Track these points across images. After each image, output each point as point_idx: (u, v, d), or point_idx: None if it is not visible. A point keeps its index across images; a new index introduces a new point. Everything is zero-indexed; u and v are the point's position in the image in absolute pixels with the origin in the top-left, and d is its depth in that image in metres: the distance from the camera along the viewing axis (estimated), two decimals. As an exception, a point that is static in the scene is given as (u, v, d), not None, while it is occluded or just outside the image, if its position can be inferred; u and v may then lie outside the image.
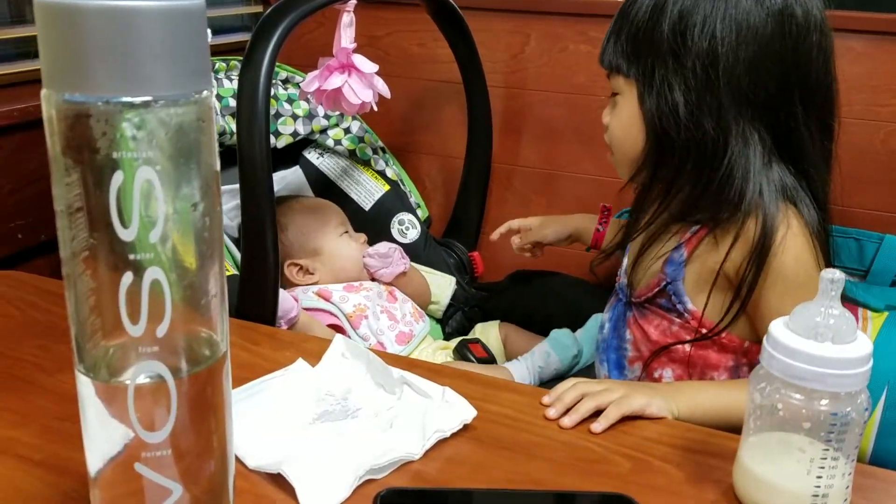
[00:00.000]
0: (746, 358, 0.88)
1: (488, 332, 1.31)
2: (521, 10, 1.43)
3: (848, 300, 0.98)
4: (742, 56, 0.81)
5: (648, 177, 0.88)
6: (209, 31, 0.41)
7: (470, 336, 1.33)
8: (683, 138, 0.83)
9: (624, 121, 0.88)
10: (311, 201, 1.36)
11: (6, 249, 1.13)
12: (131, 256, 0.40)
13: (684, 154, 0.84)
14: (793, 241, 0.82)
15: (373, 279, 1.30)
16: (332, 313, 1.19)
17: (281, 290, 1.05)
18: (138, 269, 0.40)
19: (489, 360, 1.23)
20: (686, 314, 0.89)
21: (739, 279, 0.83)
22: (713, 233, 0.86)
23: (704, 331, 0.87)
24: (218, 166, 0.43)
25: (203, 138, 0.41)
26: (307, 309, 1.18)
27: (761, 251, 0.81)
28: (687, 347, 0.89)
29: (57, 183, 0.40)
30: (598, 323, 1.09)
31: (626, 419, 0.72)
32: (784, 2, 0.81)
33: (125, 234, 0.39)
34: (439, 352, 1.25)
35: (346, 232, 1.31)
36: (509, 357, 1.28)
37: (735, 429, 0.77)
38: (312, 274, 1.26)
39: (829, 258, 0.86)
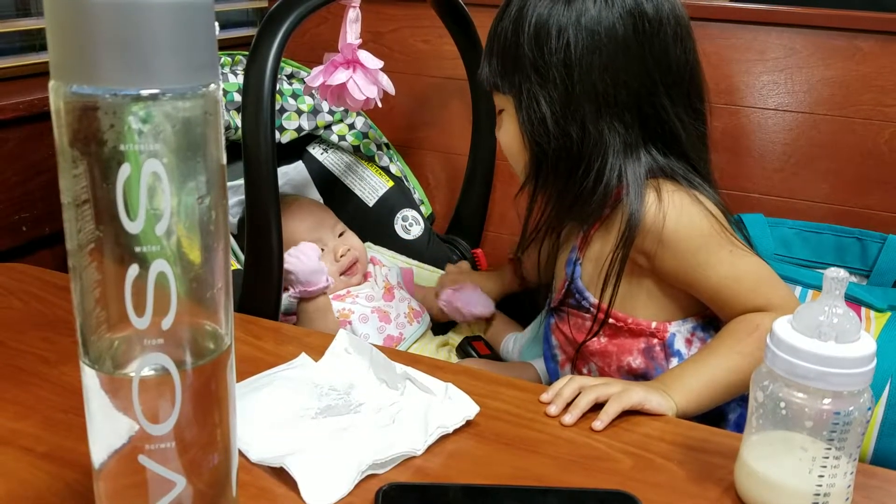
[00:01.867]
0: (656, 337, 0.91)
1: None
2: (527, 7, 1.43)
3: (851, 300, 0.98)
4: (598, 60, 0.83)
5: (532, 186, 0.91)
6: (216, 24, 0.41)
7: (476, 336, 1.32)
8: (554, 147, 0.86)
9: (510, 135, 0.91)
10: (286, 215, 1.23)
11: (11, 241, 1.13)
12: (137, 249, 0.40)
13: (556, 162, 0.87)
14: (671, 202, 0.84)
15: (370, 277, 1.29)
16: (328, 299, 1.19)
17: (318, 261, 1.10)
18: (144, 262, 0.40)
19: (492, 357, 1.22)
20: (591, 308, 0.92)
21: (613, 254, 0.86)
22: (595, 229, 0.90)
23: (612, 321, 0.91)
24: (224, 160, 0.43)
25: (210, 132, 0.41)
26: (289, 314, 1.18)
27: (629, 228, 0.84)
28: (602, 339, 0.92)
29: (64, 175, 0.40)
30: None
31: (628, 416, 0.72)
32: (634, 1, 0.83)
33: (131, 227, 0.40)
34: (441, 349, 1.25)
35: (318, 238, 1.23)
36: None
37: (732, 393, 0.81)
38: (286, 289, 1.24)
39: (723, 210, 0.88)
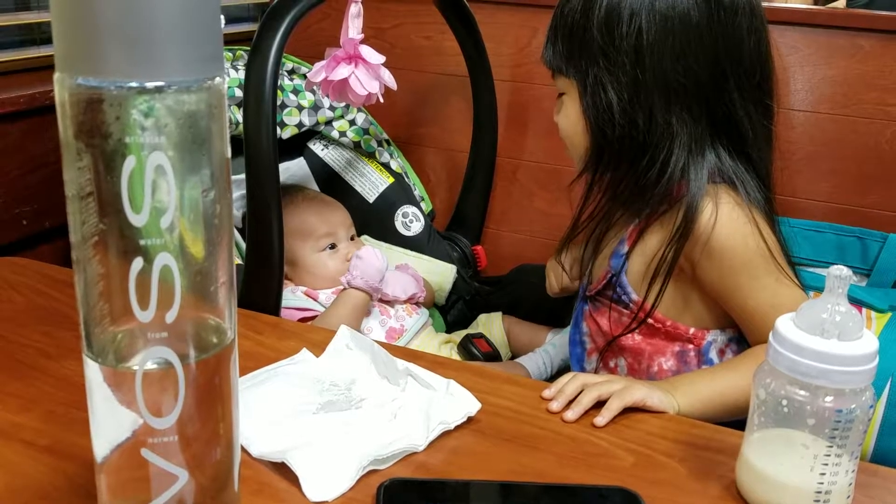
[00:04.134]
0: (693, 343, 0.90)
1: (492, 324, 1.31)
2: (529, 3, 1.43)
3: (852, 301, 0.98)
4: (670, 48, 0.81)
5: (591, 173, 0.90)
6: (222, 17, 0.41)
7: (472, 328, 1.33)
8: (618, 135, 0.84)
9: (571, 120, 0.89)
10: (305, 208, 1.28)
11: (11, 235, 1.13)
12: (142, 242, 0.40)
13: (620, 150, 0.85)
14: (726, 216, 0.82)
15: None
16: (319, 313, 1.19)
17: (377, 252, 1.13)
18: (148, 255, 0.40)
19: (493, 355, 1.23)
20: (631, 304, 0.90)
21: (661, 258, 0.85)
22: (650, 224, 0.88)
23: (643, 316, 0.89)
24: (229, 153, 0.43)
25: (215, 125, 0.41)
26: (294, 308, 1.18)
27: (683, 230, 0.82)
28: (636, 336, 0.91)
29: (68, 167, 0.40)
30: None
31: (630, 413, 0.72)
32: None
33: (136, 220, 0.39)
34: (443, 346, 1.25)
35: (333, 245, 1.25)
36: (513, 350, 1.28)
37: (735, 412, 0.78)
38: (290, 280, 1.25)
39: (776, 231, 0.87)
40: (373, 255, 1.18)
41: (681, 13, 0.81)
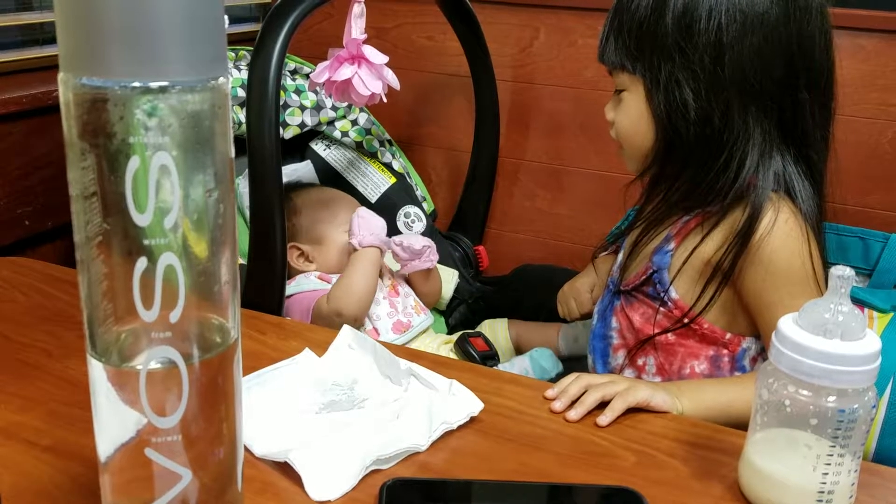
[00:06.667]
0: (727, 349, 0.89)
1: (496, 330, 1.31)
2: (531, 3, 1.43)
3: (854, 301, 0.98)
4: (748, 45, 0.80)
5: (657, 171, 0.88)
6: (226, 17, 0.41)
7: (475, 332, 1.33)
8: (693, 134, 0.83)
9: (633, 117, 0.88)
10: (330, 193, 1.36)
11: (13, 235, 1.13)
12: (145, 242, 0.40)
13: (693, 149, 0.84)
14: (781, 228, 0.82)
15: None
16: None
17: (380, 218, 1.16)
18: (152, 255, 0.40)
19: (491, 354, 1.23)
20: (669, 302, 0.89)
21: (718, 263, 0.84)
22: (702, 223, 0.86)
23: (686, 320, 0.88)
24: (233, 153, 0.43)
25: (218, 125, 0.41)
26: (308, 291, 1.18)
27: (745, 235, 0.82)
28: (670, 336, 0.90)
29: (72, 167, 0.40)
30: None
31: (632, 413, 0.72)
32: None
33: (140, 220, 0.39)
34: (443, 346, 1.26)
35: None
36: (520, 354, 1.28)
37: (739, 425, 0.77)
38: (311, 262, 1.26)
39: (822, 249, 0.86)
40: (371, 213, 1.22)
41: (759, 11, 0.80)
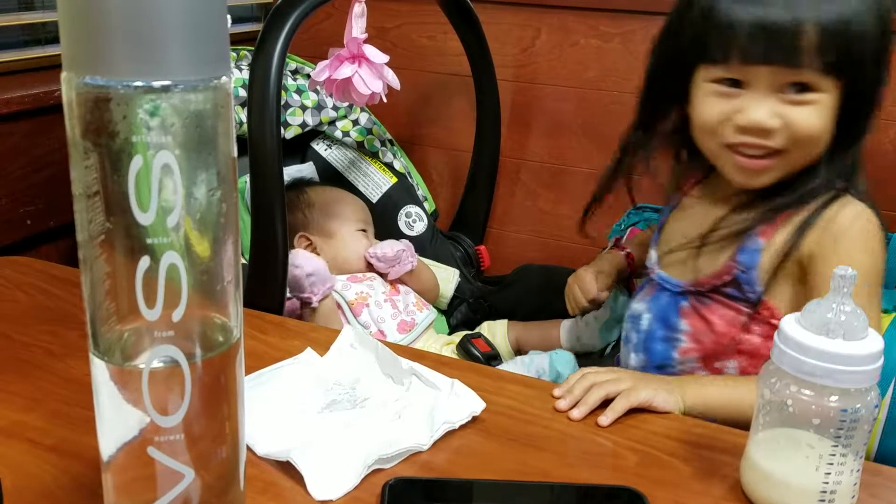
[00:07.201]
0: None
1: (495, 331, 1.32)
2: (532, 3, 1.43)
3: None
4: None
5: (826, 175, 0.86)
6: (229, 17, 0.41)
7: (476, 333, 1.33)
8: (861, 134, 0.85)
9: (825, 122, 0.83)
10: (344, 193, 1.38)
11: (15, 235, 1.13)
12: (148, 241, 0.40)
13: (854, 152, 0.86)
14: (865, 221, 0.83)
15: (379, 273, 1.30)
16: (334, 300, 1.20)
17: (319, 260, 1.12)
18: (155, 254, 0.40)
19: (492, 354, 1.23)
20: (758, 304, 0.86)
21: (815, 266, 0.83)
22: (793, 220, 0.84)
23: (775, 321, 0.84)
24: (235, 153, 0.43)
25: (221, 124, 0.41)
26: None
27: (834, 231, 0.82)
28: (755, 338, 0.86)
29: (75, 166, 0.40)
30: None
31: (634, 413, 0.72)
32: None
33: (143, 219, 0.40)
34: (445, 348, 1.26)
35: (364, 230, 1.33)
36: (519, 353, 1.28)
37: (741, 424, 0.77)
38: (317, 254, 1.26)
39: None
40: (310, 258, 1.17)
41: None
